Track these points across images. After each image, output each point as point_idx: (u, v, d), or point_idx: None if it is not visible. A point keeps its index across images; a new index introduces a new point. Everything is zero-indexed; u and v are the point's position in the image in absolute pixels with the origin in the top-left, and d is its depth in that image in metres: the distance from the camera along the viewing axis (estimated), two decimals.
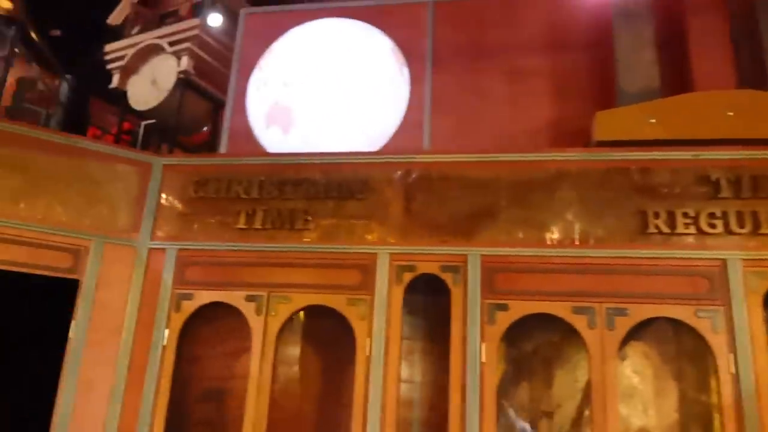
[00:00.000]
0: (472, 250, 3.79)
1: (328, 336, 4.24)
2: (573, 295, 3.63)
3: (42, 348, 3.93)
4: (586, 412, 3.67)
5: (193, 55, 7.23)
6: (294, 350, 4.27)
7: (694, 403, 3.66)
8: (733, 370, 3.35)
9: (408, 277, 3.85)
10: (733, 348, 3.37)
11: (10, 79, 7.96)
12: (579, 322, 3.59)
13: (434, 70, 5.08)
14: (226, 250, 4.09)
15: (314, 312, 4.03)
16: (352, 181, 4.08)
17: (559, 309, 3.64)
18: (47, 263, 3.97)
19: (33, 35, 8.42)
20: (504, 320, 3.66)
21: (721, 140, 3.91)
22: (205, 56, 7.33)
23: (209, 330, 4.19)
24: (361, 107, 5.04)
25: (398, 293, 3.82)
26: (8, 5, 7.90)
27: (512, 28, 5.09)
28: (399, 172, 4.06)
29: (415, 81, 5.04)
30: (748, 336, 3.37)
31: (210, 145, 7.33)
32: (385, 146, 4.86)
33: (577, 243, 3.72)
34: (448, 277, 3.79)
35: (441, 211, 3.94)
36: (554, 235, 3.75)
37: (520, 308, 3.68)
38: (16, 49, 8.05)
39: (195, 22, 7.26)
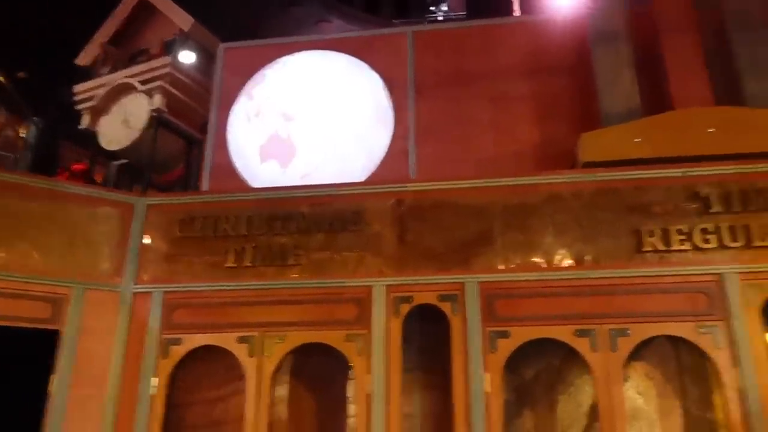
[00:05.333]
0: (470, 277, 3.74)
1: (319, 374, 4.11)
2: (574, 318, 3.60)
3: (22, 406, 3.70)
4: None
5: (165, 92, 7.11)
6: (282, 390, 4.13)
7: (699, 421, 3.63)
8: (738, 385, 3.33)
9: (405, 308, 3.77)
10: (736, 363, 3.36)
11: None
12: (582, 345, 3.54)
13: (417, 99, 5.09)
14: (215, 290, 3.95)
15: (303, 350, 3.90)
16: (343, 212, 4.01)
17: (562, 333, 3.59)
18: (25, 314, 3.77)
19: None
20: (506, 348, 3.59)
21: (704, 156, 3.97)
22: (178, 93, 7.22)
23: (200, 374, 4.02)
24: (354, 139, 4.99)
25: (396, 326, 3.73)
26: None
27: (493, 55, 5.14)
28: (391, 202, 4.01)
29: (399, 110, 5.03)
30: (750, 350, 3.37)
31: (184, 183, 7.17)
32: (372, 176, 4.81)
33: (574, 265, 3.70)
34: (446, 307, 3.72)
35: (435, 240, 3.88)
36: (551, 258, 3.73)
37: (521, 334, 3.62)
38: None
39: (166, 60, 7.16)
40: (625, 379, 3.79)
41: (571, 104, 4.86)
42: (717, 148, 4.05)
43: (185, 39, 7.30)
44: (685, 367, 3.73)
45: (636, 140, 4.20)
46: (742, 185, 3.67)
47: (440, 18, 10.54)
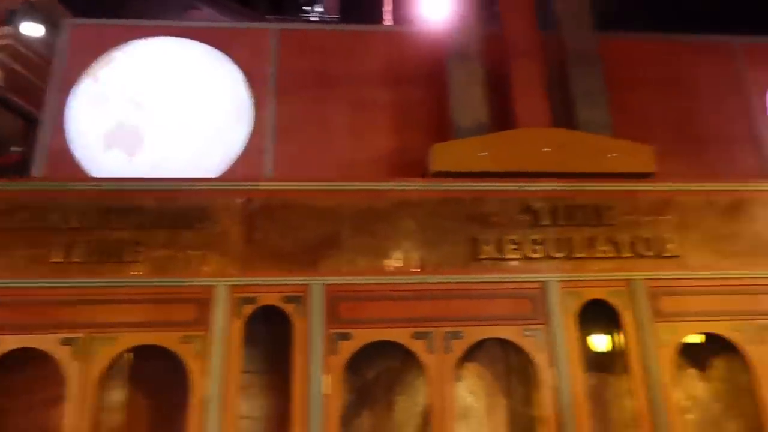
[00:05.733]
0: (315, 279, 3.75)
1: (159, 378, 3.91)
2: (413, 321, 3.73)
3: None
4: None
5: (4, 66, 6.44)
6: (119, 395, 3.89)
7: (522, 417, 3.92)
8: (553, 383, 3.64)
9: (248, 310, 3.69)
10: (553, 363, 3.67)
11: None
12: (418, 347, 3.68)
13: (278, 97, 5.01)
14: (38, 287, 3.61)
15: (143, 353, 3.70)
16: (189, 209, 3.85)
17: (401, 335, 3.71)
18: None
19: None
20: (347, 349, 3.64)
21: (539, 173, 4.31)
22: (19, 68, 6.56)
23: (16, 379, 3.65)
24: (209, 133, 4.79)
25: (238, 327, 3.64)
26: None
27: (355, 60, 5.20)
28: (240, 200, 3.91)
29: (259, 107, 4.92)
30: (566, 351, 3.69)
31: (23, 168, 6.52)
32: (226, 173, 4.66)
33: (416, 270, 3.83)
34: (290, 308, 3.70)
35: (284, 241, 3.85)
36: (395, 262, 3.84)
37: (362, 336, 3.68)
38: None
39: (7, 29, 6.49)
40: (459, 380, 4.02)
41: (427, 115, 5.04)
42: (551, 166, 4.41)
43: (30, 9, 6.66)
44: (513, 368, 4.02)
45: (482, 154, 4.45)
46: (568, 201, 4.03)
47: (313, 19, 10.52)
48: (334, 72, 5.16)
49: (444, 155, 4.46)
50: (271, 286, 3.72)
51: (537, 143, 4.56)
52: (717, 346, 4.08)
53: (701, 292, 3.91)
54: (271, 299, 3.71)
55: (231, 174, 4.65)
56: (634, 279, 3.87)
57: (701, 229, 4.05)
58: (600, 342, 4.17)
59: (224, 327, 3.61)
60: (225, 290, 3.67)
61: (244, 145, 4.80)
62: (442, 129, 4.90)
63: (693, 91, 5.31)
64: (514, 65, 4.93)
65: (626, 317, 3.81)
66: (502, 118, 4.83)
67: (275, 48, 5.18)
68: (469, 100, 4.80)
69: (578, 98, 4.87)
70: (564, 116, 4.90)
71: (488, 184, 4.04)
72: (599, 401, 4.08)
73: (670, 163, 4.78)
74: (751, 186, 4.19)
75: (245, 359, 3.87)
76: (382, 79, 5.19)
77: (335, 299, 3.72)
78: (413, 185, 4.01)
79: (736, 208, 4.12)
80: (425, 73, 5.20)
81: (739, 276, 3.95)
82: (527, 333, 3.74)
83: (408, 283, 3.80)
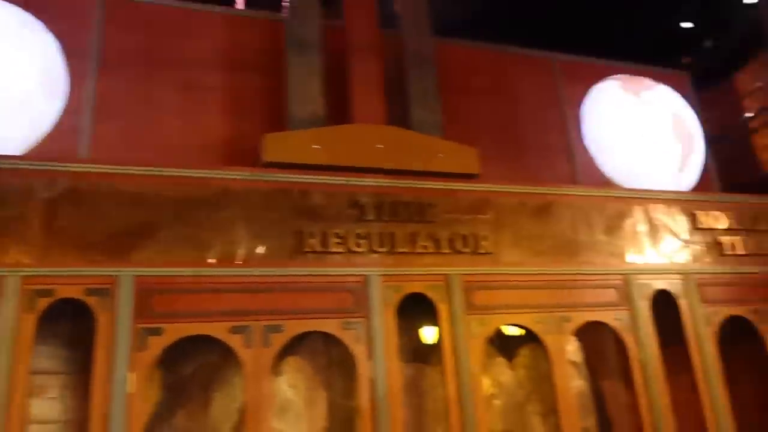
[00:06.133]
0: (124, 270, 3.48)
1: None
2: (231, 315, 3.61)
3: None
4: None
5: None
6: None
7: (342, 409, 3.96)
8: (370, 375, 3.71)
9: (44, 303, 3.33)
10: (371, 356, 3.75)
11: None
12: (236, 342, 3.57)
13: (100, 73, 4.60)
14: None
15: None
16: None
17: (217, 329, 3.57)
18: None
19: None
20: (157, 345, 3.43)
21: (371, 169, 4.38)
22: None
23: None
24: (13, 106, 4.25)
25: (30, 322, 3.27)
26: None
27: (189, 40, 4.92)
28: (41, 182, 3.53)
29: (76, 82, 4.48)
30: (383, 344, 3.79)
31: None
32: (31, 152, 4.19)
33: (238, 262, 3.71)
34: (93, 302, 3.40)
35: (91, 229, 3.53)
36: (215, 254, 3.68)
37: (175, 331, 3.49)
38: None
39: None
40: (280, 374, 3.97)
41: (264, 104, 4.92)
42: (382, 163, 4.50)
43: None
44: (334, 361, 4.05)
45: (315, 147, 4.44)
46: (394, 198, 4.14)
47: None
48: (167, 50, 4.86)
49: (277, 146, 4.37)
50: (72, 277, 3.40)
51: (371, 139, 4.64)
52: (525, 336, 4.44)
53: (510, 287, 4.21)
54: (71, 292, 3.38)
55: (36, 153, 4.19)
56: (451, 274, 4.07)
57: (514, 229, 4.36)
58: (431, 334, 4.34)
59: (12, 322, 3.23)
60: (15, 281, 3.29)
61: (56, 122, 4.35)
62: (278, 119, 4.81)
63: (516, 100, 5.72)
64: (353, 60, 4.97)
65: (442, 310, 3.99)
66: (338, 112, 4.84)
67: (100, 19, 4.76)
68: (306, 92, 4.75)
69: (413, 99, 5.03)
70: (399, 115, 5.03)
71: (316, 176, 4.02)
72: (417, 391, 4.25)
73: (493, 166, 5.11)
74: (559, 190, 4.59)
75: (47, 359, 3.55)
76: (219, 63, 4.98)
77: (146, 292, 3.49)
78: (236, 174, 3.88)
79: (544, 210, 4.49)
80: (264, 60, 5.08)
81: (543, 272, 4.32)
82: (347, 326, 3.78)
83: (228, 276, 3.67)
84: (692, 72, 7.21)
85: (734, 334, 4.79)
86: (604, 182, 5.69)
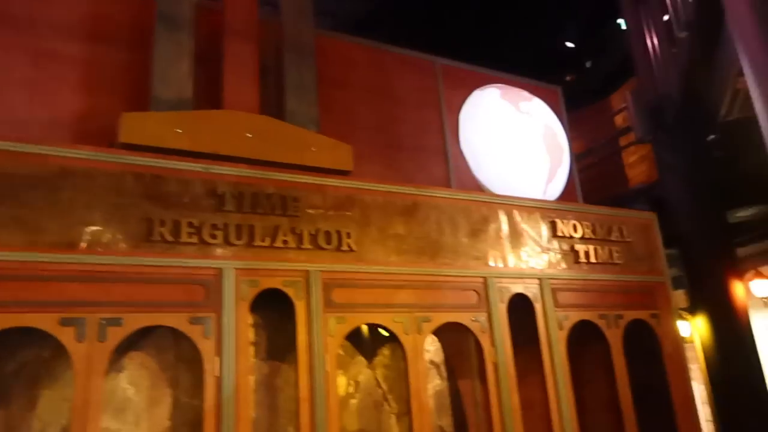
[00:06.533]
0: None
1: None
2: (62, 305, 3.30)
3: None
4: None
5: None
6: None
7: (187, 409, 3.76)
8: (217, 373, 3.54)
9: None
10: (219, 352, 3.57)
11: None
12: (66, 335, 3.27)
13: None
14: None
15: None
16: None
17: (44, 321, 3.25)
18: None
19: None
20: None
21: (237, 158, 4.21)
22: None
23: None
24: None
25: None
26: None
27: (44, 5, 4.49)
28: None
29: None
30: (234, 340, 3.63)
31: None
32: None
33: (74, 248, 3.41)
34: None
35: None
36: (47, 238, 3.35)
37: None
38: None
39: None
40: (120, 370, 3.70)
41: (126, 81, 4.58)
42: (250, 153, 4.35)
43: None
44: (182, 357, 3.83)
45: (177, 130, 4.19)
46: (256, 189, 3.98)
47: None
48: (16, 13, 4.40)
49: (135, 126, 4.09)
50: None
51: (240, 128, 4.47)
52: (387, 336, 4.44)
53: (372, 285, 4.19)
54: None
55: None
56: (311, 270, 3.98)
57: (379, 227, 4.34)
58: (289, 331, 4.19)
59: None
60: None
61: None
62: (141, 99, 4.51)
63: (396, 101, 5.75)
64: (227, 43, 4.76)
65: (299, 307, 3.90)
66: (208, 97, 4.62)
67: None
68: (173, 72, 4.49)
69: (288, 89, 4.90)
70: (274, 105, 4.89)
71: (170, 161, 3.78)
72: (272, 390, 4.12)
73: (368, 165, 5.11)
74: (426, 191, 4.63)
75: None
76: (79, 33, 4.58)
77: None
78: (76, 153, 3.55)
79: (411, 210, 4.52)
80: (130, 35, 4.75)
81: (405, 272, 4.33)
82: (195, 321, 3.58)
83: (62, 263, 3.35)
84: (573, 89, 7.65)
85: (586, 338, 5.09)
86: (477, 187, 5.85)
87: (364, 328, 4.49)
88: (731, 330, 6.95)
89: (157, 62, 4.46)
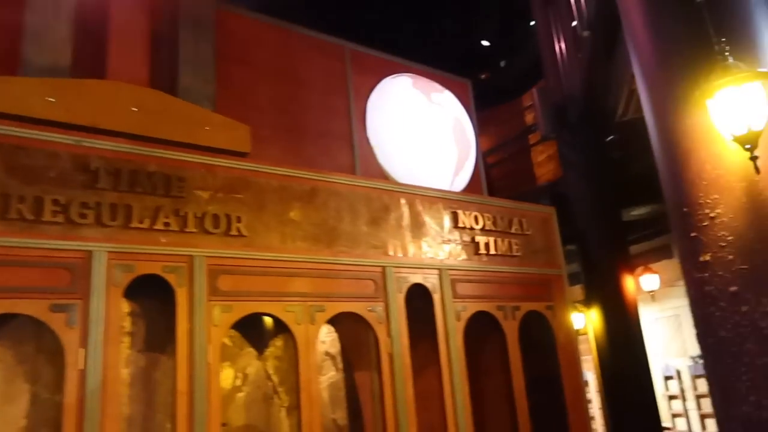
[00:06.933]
0: None
1: None
2: None
3: None
4: None
5: None
6: None
7: (48, 405, 3.41)
8: (81, 365, 3.23)
9: None
10: (84, 343, 3.26)
11: None
12: None
13: None
14: None
15: None
16: None
17: None
18: None
19: None
20: None
21: (121, 133, 3.88)
22: None
23: None
24: None
25: None
26: None
27: None
28: None
29: None
30: (103, 329, 3.32)
31: None
32: None
33: None
34: None
35: None
36: None
37: None
38: None
39: None
40: None
41: None
42: (134, 128, 4.03)
43: None
44: (43, 349, 3.47)
45: (50, 99, 3.81)
46: (136, 166, 3.67)
47: None
48: None
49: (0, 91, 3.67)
50: None
51: (124, 100, 4.13)
52: (280, 326, 4.24)
53: (262, 273, 3.98)
54: None
55: None
56: (195, 255, 3.72)
57: (273, 212, 4.13)
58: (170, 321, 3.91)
59: None
60: None
61: None
62: (13, 64, 4.06)
63: (302, 83, 5.55)
64: (116, 11, 4.39)
65: (180, 294, 3.63)
66: (91, 67, 4.24)
67: None
68: (49, 36, 4.08)
69: (183, 63, 4.60)
70: (167, 80, 4.56)
71: (36, 132, 3.40)
72: (149, 384, 3.83)
73: (269, 147, 4.88)
74: (324, 177, 4.46)
75: None
76: None
77: None
78: None
79: (309, 196, 4.34)
80: None
81: (299, 260, 4.15)
82: (57, 308, 3.24)
83: None
84: (488, 88, 7.73)
85: (485, 329, 5.11)
86: (383, 176, 5.75)
87: (264, 319, 4.27)
88: (622, 322, 7.28)
89: (31, 24, 4.04)
